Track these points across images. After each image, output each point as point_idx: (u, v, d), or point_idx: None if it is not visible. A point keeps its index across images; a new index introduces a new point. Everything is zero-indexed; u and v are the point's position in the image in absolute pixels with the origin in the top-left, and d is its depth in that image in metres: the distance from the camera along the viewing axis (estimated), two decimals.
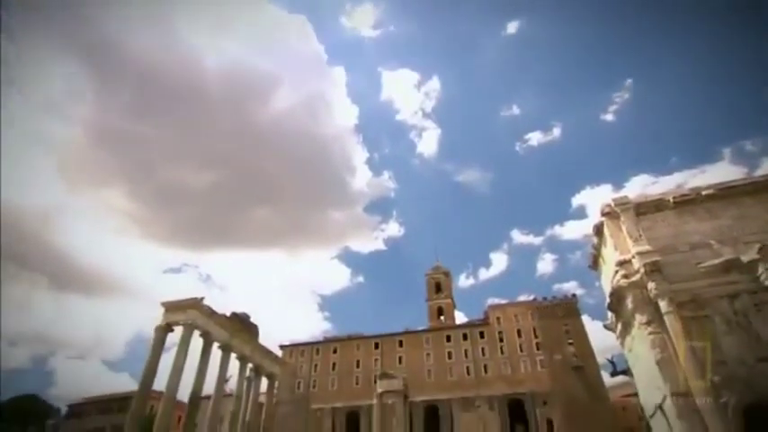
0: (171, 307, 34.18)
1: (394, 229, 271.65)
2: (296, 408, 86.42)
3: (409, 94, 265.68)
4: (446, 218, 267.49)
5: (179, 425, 40.98)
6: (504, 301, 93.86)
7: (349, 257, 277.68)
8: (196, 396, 33.63)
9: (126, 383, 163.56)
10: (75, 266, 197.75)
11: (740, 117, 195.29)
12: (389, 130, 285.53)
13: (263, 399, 43.68)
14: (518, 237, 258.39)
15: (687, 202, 20.74)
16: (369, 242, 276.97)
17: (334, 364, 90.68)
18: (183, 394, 35.53)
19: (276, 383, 47.38)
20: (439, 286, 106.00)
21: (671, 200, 20.98)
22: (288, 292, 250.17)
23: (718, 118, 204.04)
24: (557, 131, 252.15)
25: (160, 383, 33.36)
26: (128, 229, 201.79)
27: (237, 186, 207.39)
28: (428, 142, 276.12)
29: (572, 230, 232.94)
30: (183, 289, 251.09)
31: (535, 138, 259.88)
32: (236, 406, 39.06)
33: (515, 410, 77.46)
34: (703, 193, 20.61)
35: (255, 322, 41.18)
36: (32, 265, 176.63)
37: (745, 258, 17.71)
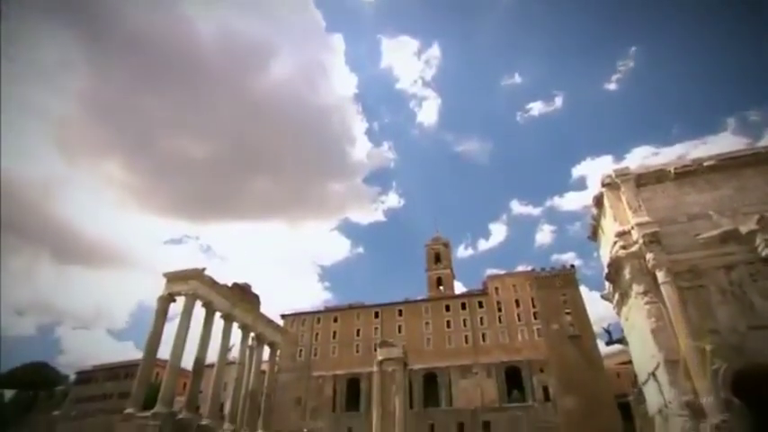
0: (172, 277, 34.49)
1: (393, 200, 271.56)
2: (298, 375, 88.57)
3: (409, 61, 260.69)
4: (445, 189, 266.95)
5: (184, 391, 42.08)
6: (502, 272, 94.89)
7: (349, 228, 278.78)
8: (200, 364, 34.38)
9: (131, 352, 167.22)
10: (76, 238, 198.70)
11: (746, 86, 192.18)
12: (389, 99, 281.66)
13: (265, 366, 44.66)
14: (517, 207, 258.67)
15: (688, 174, 20.62)
16: (368, 213, 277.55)
17: (334, 333, 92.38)
18: (187, 362, 36.36)
19: (278, 352, 48.35)
20: (438, 257, 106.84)
21: (672, 171, 20.85)
22: (288, 262, 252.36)
23: (724, 87, 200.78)
24: (558, 101, 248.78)
25: (164, 352, 34.12)
26: (127, 201, 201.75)
27: (236, 157, 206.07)
28: (428, 112, 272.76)
29: (571, 201, 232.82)
30: (183, 260, 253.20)
31: (536, 107, 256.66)
32: (239, 373, 39.98)
33: (512, 377, 79.47)
34: (705, 164, 20.47)
35: (257, 292, 41.69)
36: (34, 238, 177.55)
37: (743, 229, 17.74)
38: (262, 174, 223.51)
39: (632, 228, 19.85)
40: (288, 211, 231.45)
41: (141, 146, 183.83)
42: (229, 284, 38.06)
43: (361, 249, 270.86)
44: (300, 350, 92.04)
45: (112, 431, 28.96)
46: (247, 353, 41.48)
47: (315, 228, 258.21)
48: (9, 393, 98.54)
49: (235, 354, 44.88)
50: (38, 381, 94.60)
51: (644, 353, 19.68)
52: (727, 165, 20.18)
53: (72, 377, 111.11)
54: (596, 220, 24.74)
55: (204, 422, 33.05)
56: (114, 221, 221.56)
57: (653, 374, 18.67)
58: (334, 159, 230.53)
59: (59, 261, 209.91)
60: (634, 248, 19.32)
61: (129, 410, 29.24)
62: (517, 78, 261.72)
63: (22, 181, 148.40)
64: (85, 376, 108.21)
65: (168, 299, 33.85)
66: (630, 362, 32.17)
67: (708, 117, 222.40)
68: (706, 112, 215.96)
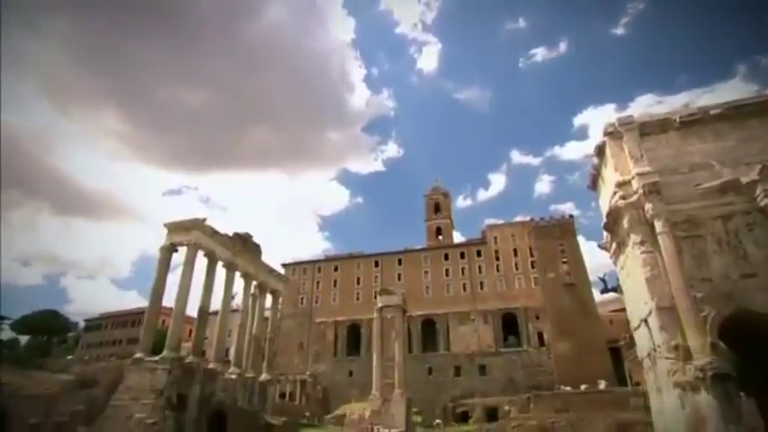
0: (174, 228, 34.61)
1: (393, 150, 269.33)
2: (300, 321, 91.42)
3: (409, 3, 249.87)
4: (445, 138, 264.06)
5: (190, 337, 43.57)
6: (501, 222, 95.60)
7: (348, 179, 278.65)
8: (204, 312, 35.30)
9: (135, 300, 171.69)
10: (77, 190, 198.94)
11: (760, 29, 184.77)
12: (388, 44, 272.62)
13: (268, 314, 45.94)
14: (517, 157, 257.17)
15: (693, 123, 20.17)
16: (368, 163, 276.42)
17: (335, 281, 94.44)
18: (191, 310, 37.35)
19: (280, 299, 49.56)
20: (438, 206, 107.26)
21: (677, 120, 20.39)
22: (288, 212, 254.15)
23: (737, 31, 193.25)
24: (563, 47, 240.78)
25: (169, 300, 34.91)
26: (124, 153, 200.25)
27: (233, 106, 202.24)
28: (428, 58, 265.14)
29: (572, 151, 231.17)
30: (183, 210, 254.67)
31: (540, 53, 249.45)
32: (243, 320, 41.17)
33: (508, 324, 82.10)
34: (711, 112, 19.98)
35: (257, 242, 42.06)
36: (34, 191, 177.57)
37: (744, 179, 17.60)
38: (259, 123, 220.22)
39: (633, 177, 19.68)
40: (287, 161, 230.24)
41: (136, 96, 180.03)
42: (230, 234, 38.35)
43: (360, 199, 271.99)
44: (302, 298, 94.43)
45: (124, 374, 30.17)
46: (250, 301, 42.54)
47: (314, 178, 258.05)
48: (24, 340, 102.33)
49: (238, 302, 46.03)
50: (50, 327, 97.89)
51: (637, 300, 20.13)
52: (733, 114, 19.69)
53: (81, 324, 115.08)
54: (597, 170, 24.49)
55: (210, 366, 34.44)
56: (113, 173, 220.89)
57: (645, 321, 19.19)
58: (332, 108, 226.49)
59: (61, 213, 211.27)
60: (633, 198, 19.25)
61: (138, 355, 30.41)
62: (521, 23, 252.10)
63: (20, 134, 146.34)
64: (94, 323, 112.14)
65: (170, 249, 34.23)
66: (623, 309, 33.05)
67: (718, 63, 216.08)
68: (716, 58, 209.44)
